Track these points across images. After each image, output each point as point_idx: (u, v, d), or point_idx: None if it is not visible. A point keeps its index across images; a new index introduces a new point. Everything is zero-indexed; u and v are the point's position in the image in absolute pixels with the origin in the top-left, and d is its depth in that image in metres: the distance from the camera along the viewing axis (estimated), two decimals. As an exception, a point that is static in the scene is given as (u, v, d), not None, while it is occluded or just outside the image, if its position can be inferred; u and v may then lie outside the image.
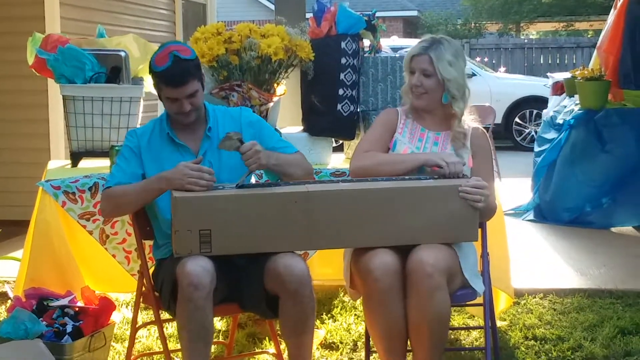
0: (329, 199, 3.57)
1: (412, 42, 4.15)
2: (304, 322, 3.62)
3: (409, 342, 3.72)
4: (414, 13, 29.44)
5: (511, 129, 15.19)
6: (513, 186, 9.19)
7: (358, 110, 5.08)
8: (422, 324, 3.60)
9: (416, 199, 3.65)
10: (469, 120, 4.03)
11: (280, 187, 3.62)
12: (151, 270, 3.95)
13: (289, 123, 5.45)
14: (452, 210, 3.65)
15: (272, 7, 18.46)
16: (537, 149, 8.74)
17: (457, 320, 4.96)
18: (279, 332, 4.23)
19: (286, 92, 5.06)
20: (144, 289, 3.91)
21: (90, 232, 4.45)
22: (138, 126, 5.08)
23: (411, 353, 3.78)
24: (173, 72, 3.69)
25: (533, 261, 6.42)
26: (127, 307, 5.22)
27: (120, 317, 4.91)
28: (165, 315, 3.93)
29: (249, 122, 3.92)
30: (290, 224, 3.56)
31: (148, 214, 3.88)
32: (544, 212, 7.97)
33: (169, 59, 3.68)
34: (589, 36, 28.12)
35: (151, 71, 3.76)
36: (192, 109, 3.75)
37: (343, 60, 4.96)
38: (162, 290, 3.71)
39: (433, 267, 3.56)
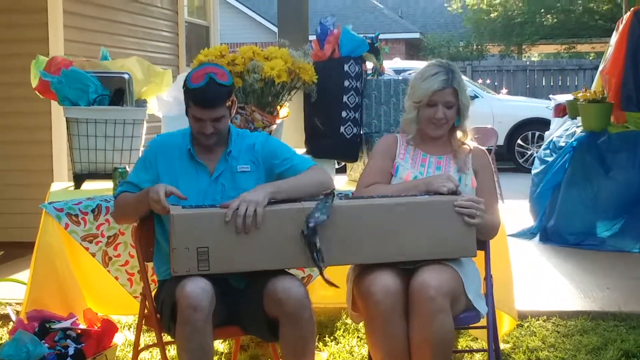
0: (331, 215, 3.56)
1: (414, 64, 4.16)
2: (303, 345, 3.61)
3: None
4: (417, 35, 29.53)
5: (513, 151, 15.20)
6: (516, 208, 9.18)
7: (361, 132, 5.08)
8: (424, 347, 3.58)
9: (413, 214, 3.65)
10: (470, 140, 4.05)
11: (280, 205, 3.60)
12: (154, 293, 3.94)
13: (292, 145, 5.40)
14: (449, 225, 3.66)
15: (275, 29, 18.53)
16: (535, 170, 8.75)
17: (460, 342, 4.94)
18: (281, 354, 4.22)
19: (289, 114, 5.07)
20: (146, 311, 3.90)
21: (93, 254, 4.45)
22: (142, 149, 5.09)
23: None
24: (205, 93, 3.71)
25: (536, 283, 6.40)
26: (129, 329, 5.21)
27: (122, 339, 4.89)
28: (167, 337, 3.92)
29: (262, 151, 3.90)
30: (288, 242, 3.55)
31: (156, 233, 3.88)
32: (550, 235, 7.96)
33: (204, 79, 3.70)
34: (590, 58, 28.20)
35: (184, 86, 3.77)
36: (214, 132, 3.77)
37: (346, 83, 4.97)
38: (162, 311, 3.70)
39: (436, 289, 3.55)
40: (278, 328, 3.62)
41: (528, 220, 8.48)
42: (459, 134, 4.01)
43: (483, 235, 3.86)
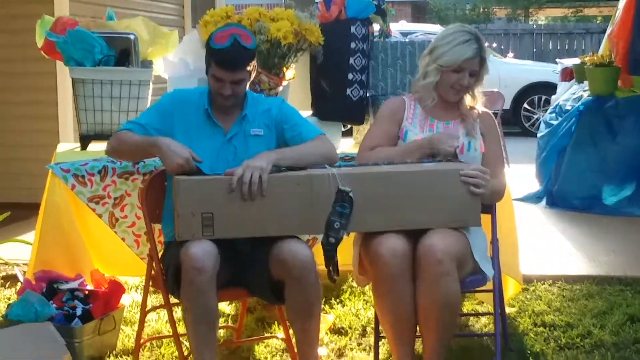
0: (331, 183, 3.57)
1: (421, 27, 4.13)
2: (309, 307, 3.62)
3: (418, 328, 3.72)
4: (423, -3, 29.40)
5: (520, 115, 15.15)
6: (522, 172, 9.16)
7: (367, 95, 5.06)
8: (431, 310, 3.59)
9: (417, 183, 3.65)
10: (479, 105, 4.04)
11: (286, 171, 3.61)
12: (160, 254, 3.95)
13: (298, 107, 5.38)
14: (454, 194, 3.66)
15: (281, -9, 18.42)
16: (540, 134, 8.72)
17: (466, 306, 4.95)
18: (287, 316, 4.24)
19: (295, 76, 5.05)
20: (153, 272, 3.91)
21: (100, 216, 4.45)
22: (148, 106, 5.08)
23: (420, 338, 3.78)
24: (228, 54, 3.70)
25: (542, 247, 6.41)
26: (136, 290, 5.23)
27: (129, 300, 4.92)
28: (174, 299, 3.93)
29: (276, 115, 3.90)
30: (293, 208, 3.56)
31: (167, 194, 3.87)
32: (556, 200, 7.96)
33: (229, 40, 3.70)
34: (598, 22, 28.02)
35: (208, 46, 3.76)
36: (233, 94, 3.76)
37: (352, 45, 4.95)
38: (167, 273, 3.72)
39: (443, 252, 3.56)
40: (283, 291, 3.63)
41: (534, 185, 8.47)
42: (468, 98, 4.00)
43: (488, 200, 3.86)
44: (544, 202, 8.05)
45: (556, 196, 7.99)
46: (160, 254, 3.94)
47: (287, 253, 3.56)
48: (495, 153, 4.02)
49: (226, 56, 3.70)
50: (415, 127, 3.97)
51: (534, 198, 8.18)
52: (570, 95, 8.83)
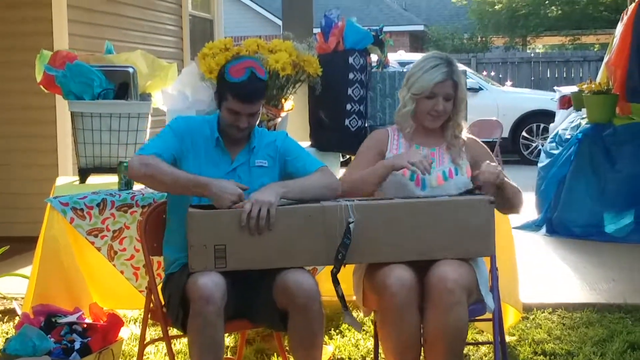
0: (342, 215, 3.57)
1: (419, 57, 4.13)
2: (312, 337, 3.61)
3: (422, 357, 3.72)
4: (421, 28, 29.50)
5: (518, 143, 15.18)
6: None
7: (366, 125, 5.07)
8: (439, 340, 3.58)
9: (432, 214, 3.66)
10: (464, 132, 4.05)
11: (297, 204, 3.63)
12: (159, 286, 3.94)
13: (296, 138, 5.39)
14: (468, 225, 3.67)
15: (280, 22, 18.51)
16: (541, 164, 8.75)
17: (466, 335, 4.94)
18: (287, 347, 4.23)
19: (294, 107, 5.07)
20: (152, 305, 3.90)
21: (99, 249, 4.45)
22: (146, 141, 5.09)
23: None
24: (246, 87, 3.72)
25: (542, 275, 6.40)
26: (135, 323, 5.22)
27: (128, 333, 4.90)
28: (173, 331, 3.92)
29: (281, 147, 3.93)
30: (305, 240, 3.57)
31: (170, 224, 3.87)
32: (555, 227, 7.96)
33: (246, 73, 3.71)
34: (595, 50, 28.14)
35: (223, 79, 3.76)
36: (248, 126, 3.79)
37: (351, 76, 4.96)
38: (170, 304, 3.71)
39: (455, 282, 3.56)
40: (287, 319, 3.63)
41: (533, 213, 8.46)
42: (452, 126, 4.00)
43: (514, 204, 3.91)
44: (543, 230, 8.06)
45: (556, 224, 7.99)
46: (159, 287, 3.93)
47: (291, 282, 3.56)
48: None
49: (244, 89, 3.71)
50: None
51: (532, 226, 8.19)
52: (569, 124, 8.86)
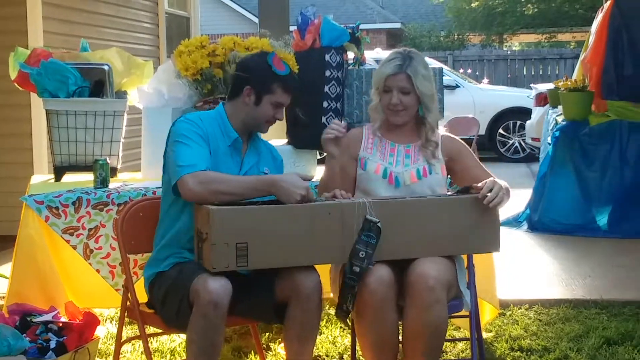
0: (360, 212, 3.57)
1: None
2: (309, 329, 3.64)
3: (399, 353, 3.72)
4: (397, 25, 29.54)
5: (495, 140, 15.23)
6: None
7: (343, 122, 5.06)
8: (419, 337, 3.60)
9: (439, 212, 3.69)
10: (440, 130, 4.05)
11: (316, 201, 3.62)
12: (139, 281, 3.93)
13: (273, 136, 5.42)
14: (475, 222, 3.72)
15: (256, 20, 18.50)
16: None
17: (443, 332, 4.95)
18: (264, 345, 4.23)
19: (270, 104, 5.05)
20: (128, 303, 3.89)
21: (74, 247, 4.43)
22: (122, 141, 5.07)
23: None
24: (292, 79, 3.83)
25: (518, 271, 6.43)
26: (111, 322, 5.20)
27: (104, 332, 4.88)
28: (150, 329, 3.91)
29: (274, 156, 4.02)
30: (323, 237, 3.55)
31: (162, 223, 3.84)
32: (535, 224, 8.01)
33: (285, 66, 3.78)
34: (571, 47, 28.31)
35: (268, 72, 3.76)
36: (279, 118, 3.88)
37: (327, 73, 4.96)
38: (165, 302, 3.68)
39: (436, 280, 3.57)
40: (284, 312, 3.64)
41: (512, 209, 8.49)
42: (425, 127, 4.00)
43: (507, 199, 3.90)
44: (525, 226, 8.09)
45: (536, 220, 8.04)
46: (138, 283, 3.92)
47: (297, 273, 3.58)
48: (475, 164, 4.05)
49: (292, 81, 3.83)
50: (375, 156, 3.99)
51: (513, 222, 8.22)
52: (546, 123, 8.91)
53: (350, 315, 3.63)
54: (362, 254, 3.53)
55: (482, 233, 3.76)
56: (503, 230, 7.56)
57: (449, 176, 4.08)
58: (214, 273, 3.47)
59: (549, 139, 8.29)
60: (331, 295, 3.99)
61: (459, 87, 15.32)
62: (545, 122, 9.03)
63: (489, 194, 3.69)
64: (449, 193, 3.93)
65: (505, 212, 8.28)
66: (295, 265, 3.59)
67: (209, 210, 3.43)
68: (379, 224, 3.54)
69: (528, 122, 13.01)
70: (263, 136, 4.49)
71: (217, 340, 3.50)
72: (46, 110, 4.99)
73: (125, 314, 3.96)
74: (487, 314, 4.81)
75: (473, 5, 28.86)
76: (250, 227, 3.46)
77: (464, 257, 4.00)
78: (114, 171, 4.94)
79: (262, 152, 3.94)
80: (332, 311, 5.18)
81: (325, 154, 5.36)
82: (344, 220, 3.56)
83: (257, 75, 3.79)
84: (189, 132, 3.70)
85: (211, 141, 3.75)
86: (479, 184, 3.76)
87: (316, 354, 4.65)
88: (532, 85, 14.46)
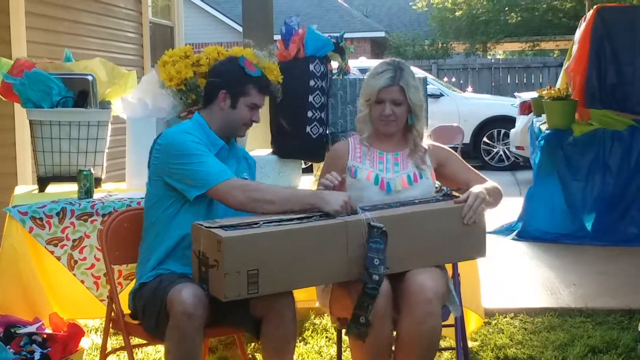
0: (363, 225, 3.54)
1: (380, 62, 4.15)
2: (285, 344, 3.63)
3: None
4: (382, 34, 29.58)
5: (479, 149, 15.27)
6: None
7: (327, 132, 5.07)
8: (413, 348, 3.60)
9: (425, 222, 3.69)
10: (426, 140, 4.08)
11: (321, 220, 3.54)
12: (124, 292, 3.91)
13: (258, 145, 5.44)
14: (461, 229, 3.73)
15: (240, 29, 18.47)
16: None
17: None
18: (250, 355, 4.22)
19: (255, 114, 5.05)
20: (113, 314, 3.87)
21: (58, 258, 4.41)
22: (106, 151, 5.05)
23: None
24: (266, 79, 3.88)
25: (504, 280, 6.43)
26: (96, 333, 5.18)
27: (89, 343, 4.86)
28: (135, 340, 3.90)
29: (250, 164, 4.03)
30: (330, 256, 3.51)
31: (147, 235, 3.83)
32: (521, 232, 8.04)
33: (257, 68, 3.83)
34: (555, 56, 28.44)
35: (243, 75, 3.79)
36: (256, 121, 3.89)
37: (312, 83, 4.96)
38: (145, 313, 3.68)
39: (433, 292, 3.59)
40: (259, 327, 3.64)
41: (500, 219, 8.52)
42: (413, 135, 4.02)
43: (497, 202, 3.95)
44: (513, 234, 8.12)
45: (522, 228, 8.07)
46: (124, 292, 3.90)
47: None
48: (463, 167, 4.09)
49: (265, 82, 3.86)
50: (364, 164, 3.99)
51: (505, 231, 8.24)
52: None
53: (368, 329, 3.54)
54: (377, 261, 3.50)
55: (470, 240, 3.78)
56: (491, 238, 7.67)
57: (438, 183, 4.10)
58: (188, 283, 3.46)
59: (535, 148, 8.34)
60: (317, 304, 3.98)
61: (443, 95, 15.36)
62: (530, 131, 9.05)
63: (468, 211, 3.73)
64: (434, 194, 3.93)
65: (493, 220, 8.33)
66: (304, 287, 3.62)
67: (220, 239, 3.31)
68: (384, 229, 3.52)
69: (512, 130, 13.05)
70: (247, 144, 4.51)
71: (193, 350, 3.48)
72: (30, 120, 4.98)
73: (110, 324, 3.94)
74: (473, 323, 4.81)
75: (457, 14, 28.95)
76: (260, 252, 3.38)
77: (448, 266, 4.01)
78: (98, 181, 4.93)
79: (240, 158, 3.95)
80: (318, 321, 5.19)
81: (310, 163, 5.39)
82: (348, 237, 3.52)
83: (230, 79, 3.82)
84: (199, 145, 3.70)
85: (208, 147, 3.77)
86: (460, 197, 3.78)
87: (302, 364, 4.65)
88: (516, 93, 14.51)
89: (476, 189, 3.82)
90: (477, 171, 4.09)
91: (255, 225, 3.42)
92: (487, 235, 3.87)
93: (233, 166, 3.86)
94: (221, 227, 3.40)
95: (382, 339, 3.63)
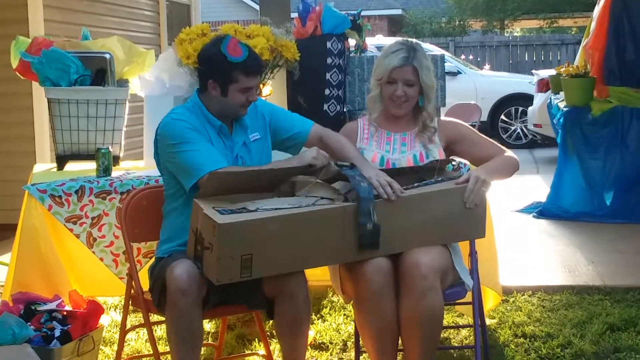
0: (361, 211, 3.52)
1: (394, 41, 4.13)
2: (298, 324, 3.64)
3: (399, 342, 3.73)
4: (399, 12, 29.44)
5: (497, 127, 15.21)
6: (503, 184, 9.15)
7: (344, 110, 5.07)
8: (415, 325, 3.60)
9: (424, 204, 3.68)
10: (435, 120, 4.05)
11: (317, 205, 3.53)
12: (144, 270, 3.93)
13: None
14: (460, 210, 3.72)
15: (257, 7, 18.43)
16: None
17: (446, 318, 4.94)
18: (268, 333, 4.24)
19: (272, 92, 5.05)
20: (132, 291, 3.90)
21: (78, 236, 4.43)
22: (124, 129, 5.06)
23: (402, 353, 3.78)
24: (252, 61, 3.74)
25: (521, 258, 6.42)
26: (115, 310, 5.21)
27: (108, 320, 4.89)
28: (154, 317, 3.92)
29: (269, 119, 3.95)
30: (324, 240, 3.53)
31: (167, 214, 3.84)
32: (544, 210, 8.02)
33: (243, 49, 3.71)
34: (572, 33, 28.20)
35: (225, 63, 3.68)
36: (253, 100, 3.81)
37: (329, 60, 4.95)
38: (154, 289, 3.71)
39: (428, 267, 3.58)
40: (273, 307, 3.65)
41: (514, 197, 8.49)
42: (424, 115, 4.00)
43: (507, 175, 3.94)
44: (534, 212, 8.10)
45: (543, 207, 8.05)
46: (139, 272, 3.92)
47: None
48: (479, 142, 4.04)
49: (253, 63, 3.74)
50: (371, 146, 4.00)
51: (532, 209, 8.21)
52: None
53: (379, 236, 3.54)
54: (357, 177, 3.54)
55: (469, 221, 3.77)
56: (512, 216, 7.67)
57: (460, 160, 4.11)
58: (183, 260, 3.48)
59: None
60: (330, 283, 4.00)
61: (460, 73, 15.29)
62: (548, 109, 9.01)
63: (470, 194, 3.72)
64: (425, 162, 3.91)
65: (509, 198, 8.31)
66: (297, 270, 3.59)
67: (215, 224, 3.33)
68: (346, 164, 3.59)
69: (530, 108, 12.99)
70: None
71: (193, 326, 3.50)
72: (48, 99, 4.99)
73: (130, 302, 3.96)
74: (490, 300, 4.81)
75: (474, -9, 28.78)
76: (254, 238, 3.39)
77: (465, 244, 4.01)
78: (116, 160, 4.94)
79: (247, 121, 3.85)
80: (336, 298, 5.20)
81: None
82: (345, 222, 3.52)
83: (215, 68, 3.73)
84: (191, 132, 3.67)
85: (202, 132, 3.72)
86: (461, 178, 3.76)
87: (320, 342, 4.66)
88: (533, 71, 14.43)
89: (477, 170, 3.81)
90: (493, 142, 4.06)
91: (252, 210, 3.43)
92: (510, 214, 3.87)
93: (239, 139, 3.82)
94: (219, 210, 3.41)
95: (386, 316, 3.64)
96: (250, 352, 4.54)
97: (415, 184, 3.75)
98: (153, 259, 3.94)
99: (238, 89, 3.71)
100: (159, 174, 3.96)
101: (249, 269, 3.39)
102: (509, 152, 4.00)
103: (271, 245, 3.43)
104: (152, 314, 3.85)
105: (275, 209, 3.47)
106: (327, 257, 3.61)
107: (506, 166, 3.93)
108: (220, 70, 3.71)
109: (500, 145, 4.07)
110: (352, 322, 4.48)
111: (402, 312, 3.64)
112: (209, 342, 4.62)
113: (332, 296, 5.30)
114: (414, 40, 4.07)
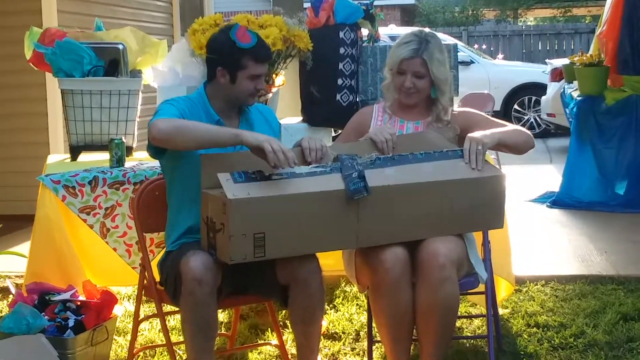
0: (379, 194, 3.53)
1: (410, 31, 4.12)
2: (312, 312, 3.64)
3: (414, 331, 3.73)
4: (412, 1, 29.39)
5: (510, 116, 15.16)
6: (516, 174, 9.16)
7: (357, 99, 5.07)
8: (430, 314, 3.61)
9: (441, 192, 3.66)
10: (450, 112, 4.04)
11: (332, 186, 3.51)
12: (156, 260, 3.95)
13: (288, 114, 5.44)
14: (479, 200, 3.70)
15: (270, -3, 18.41)
16: None
17: (459, 308, 4.95)
18: (281, 322, 4.25)
19: (285, 82, 5.06)
20: (145, 282, 3.91)
21: (91, 226, 4.45)
22: (137, 120, 5.08)
23: (416, 342, 3.79)
24: (262, 48, 3.71)
25: (534, 248, 6.41)
26: (128, 300, 5.23)
27: (122, 310, 4.91)
28: (167, 307, 3.93)
29: (273, 127, 3.94)
30: (338, 222, 3.51)
31: (171, 205, 3.84)
32: (557, 200, 8.01)
33: (252, 35, 3.68)
34: (586, 22, 28.09)
35: (235, 49, 3.65)
36: (262, 88, 3.79)
37: (342, 50, 4.95)
38: (167, 281, 3.72)
39: (446, 257, 3.58)
40: (287, 295, 3.65)
41: (527, 186, 8.47)
42: (438, 107, 3.99)
43: (516, 146, 3.89)
44: (548, 202, 8.09)
45: (557, 197, 8.04)
46: (153, 263, 3.94)
47: (294, 259, 3.57)
48: (491, 124, 3.98)
49: (263, 50, 3.71)
50: None
51: (545, 199, 8.19)
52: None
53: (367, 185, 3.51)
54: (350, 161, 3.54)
55: (487, 211, 3.75)
56: (526, 206, 7.65)
57: None
58: (198, 252, 3.47)
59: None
60: (343, 273, 4.00)
61: (473, 63, 15.26)
62: (561, 98, 8.99)
63: (469, 155, 3.69)
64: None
65: (524, 188, 8.30)
66: (311, 252, 3.58)
67: (225, 201, 3.31)
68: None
69: (543, 97, 12.95)
70: (278, 112, 4.47)
71: (209, 316, 3.51)
72: (61, 89, 5.01)
73: (143, 292, 3.97)
74: (503, 290, 4.81)
75: (487, -20, 28.72)
76: (267, 216, 3.37)
77: (478, 233, 4.00)
78: (129, 150, 4.96)
79: (255, 121, 3.84)
80: (348, 288, 5.21)
81: (340, 131, 5.39)
82: (360, 203, 3.50)
83: (224, 55, 3.70)
84: (169, 105, 3.65)
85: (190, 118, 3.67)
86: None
87: (332, 331, 4.67)
88: (547, 60, 14.38)
89: (473, 133, 3.78)
90: (507, 124, 4.01)
91: (267, 177, 3.41)
92: (524, 203, 3.86)
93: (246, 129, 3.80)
94: (233, 176, 3.37)
95: (402, 305, 3.64)
96: (263, 342, 4.55)
97: (419, 155, 3.70)
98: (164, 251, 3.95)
99: (247, 76, 3.69)
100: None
101: (262, 248, 3.37)
102: (523, 129, 3.97)
103: (284, 224, 3.42)
104: (164, 304, 3.86)
105: (290, 175, 3.44)
106: (340, 240, 3.57)
107: (512, 136, 3.87)
108: (229, 57, 3.69)
109: (517, 126, 4.04)
110: (365, 312, 4.49)
111: (418, 301, 3.64)
112: (222, 332, 4.64)
113: (344, 286, 5.31)
114: (430, 31, 4.04)
